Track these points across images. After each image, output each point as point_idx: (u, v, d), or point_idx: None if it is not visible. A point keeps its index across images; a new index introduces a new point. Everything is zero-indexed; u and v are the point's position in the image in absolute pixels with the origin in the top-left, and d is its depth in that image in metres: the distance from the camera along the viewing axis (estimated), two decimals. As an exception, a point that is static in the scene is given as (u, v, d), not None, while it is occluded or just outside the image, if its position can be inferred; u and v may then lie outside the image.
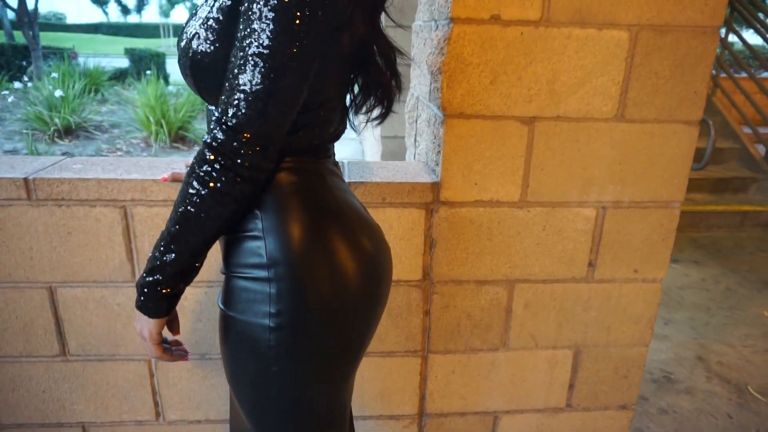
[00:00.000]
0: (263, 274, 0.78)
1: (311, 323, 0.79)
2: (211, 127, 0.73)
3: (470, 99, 1.30)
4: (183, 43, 0.79)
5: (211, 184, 0.73)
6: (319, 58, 0.74)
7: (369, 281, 0.84)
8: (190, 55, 0.78)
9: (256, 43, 0.69)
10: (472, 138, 1.33)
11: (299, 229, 0.80)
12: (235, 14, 0.73)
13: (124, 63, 12.89)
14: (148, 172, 1.37)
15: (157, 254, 0.79)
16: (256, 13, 0.68)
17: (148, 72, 10.49)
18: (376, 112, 0.95)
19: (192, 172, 0.74)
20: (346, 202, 0.87)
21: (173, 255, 0.77)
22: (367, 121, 0.96)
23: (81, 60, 13.47)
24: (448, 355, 1.55)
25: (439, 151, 1.37)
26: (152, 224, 1.36)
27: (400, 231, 1.40)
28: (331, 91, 0.83)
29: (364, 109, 0.94)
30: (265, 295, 0.78)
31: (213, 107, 0.84)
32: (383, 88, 0.91)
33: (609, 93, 1.33)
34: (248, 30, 0.69)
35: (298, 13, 0.68)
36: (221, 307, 0.85)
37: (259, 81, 0.69)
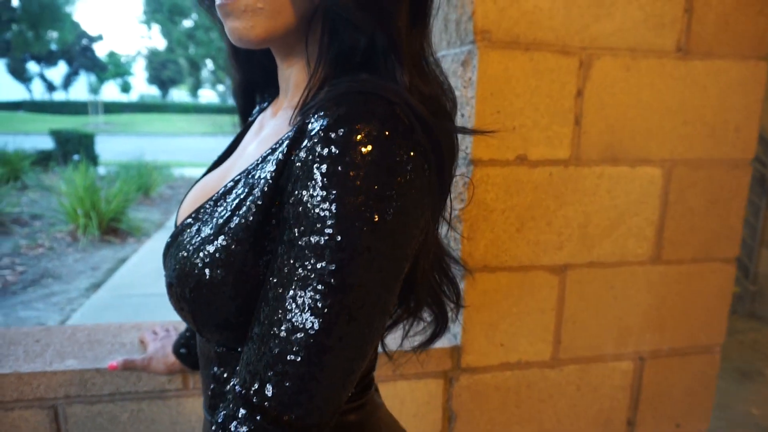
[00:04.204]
0: None
1: None
2: (230, 399, 0.48)
3: (495, 249, 1.10)
4: (184, 268, 0.53)
5: None
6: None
7: None
8: (194, 281, 0.52)
9: (315, 284, 0.45)
10: (497, 293, 1.12)
11: None
12: (262, 232, 0.50)
13: (48, 143, 12.17)
14: (88, 353, 1.06)
15: None
16: (315, 228, 0.44)
17: (75, 156, 9.92)
18: (415, 333, 0.70)
19: None
20: None
21: None
22: (409, 346, 0.71)
23: (0, 142, 12.65)
24: None
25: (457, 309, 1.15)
26: (93, 426, 1.02)
27: (413, 407, 1.14)
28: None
29: (409, 331, 0.70)
30: None
31: (218, 346, 0.58)
32: (437, 305, 0.67)
33: (644, 233, 1.17)
34: (298, 264, 0.45)
35: (393, 232, 0.46)
36: None
37: (315, 353, 0.45)
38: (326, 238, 0.44)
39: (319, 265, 0.45)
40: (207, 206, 0.57)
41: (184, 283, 0.53)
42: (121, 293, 4.35)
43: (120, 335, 1.14)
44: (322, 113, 0.47)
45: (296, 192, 0.46)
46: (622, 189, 1.14)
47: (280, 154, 0.49)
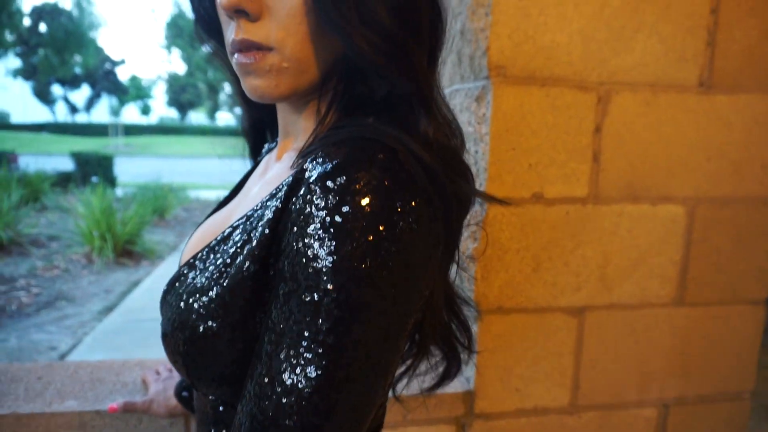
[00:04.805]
0: None
1: None
2: None
3: (509, 291, 1.05)
4: (178, 319, 0.50)
5: None
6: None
7: None
8: (188, 332, 0.49)
9: (310, 343, 0.42)
10: (513, 336, 1.07)
11: None
12: (260, 283, 0.47)
13: (69, 164, 12.39)
14: (89, 392, 1.03)
15: None
16: (311, 279, 0.42)
17: (94, 178, 10.07)
18: (426, 371, 0.66)
19: None
20: None
21: None
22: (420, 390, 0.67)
23: (23, 162, 12.92)
24: None
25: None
26: (91, 470, 0.99)
27: (424, 455, 1.09)
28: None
29: (416, 368, 0.66)
30: None
31: (212, 397, 0.55)
32: (447, 345, 0.64)
33: (667, 274, 1.12)
34: (292, 321, 0.43)
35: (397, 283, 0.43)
36: None
37: (310, 418, 0.42)
38: (322, 293, 0.41)
39: (314, 323, 0.41)
40: (203, 253, 0.54)
41: (178, 334, 0.50)
42: (133, 317, 4.35)
43: (123, 373, 1.11)
44: (320, 160, 0.44)
45: (292, 243, 0.43)
46: (643, 228, 1.09)
47: (278, 202, 0.47)
